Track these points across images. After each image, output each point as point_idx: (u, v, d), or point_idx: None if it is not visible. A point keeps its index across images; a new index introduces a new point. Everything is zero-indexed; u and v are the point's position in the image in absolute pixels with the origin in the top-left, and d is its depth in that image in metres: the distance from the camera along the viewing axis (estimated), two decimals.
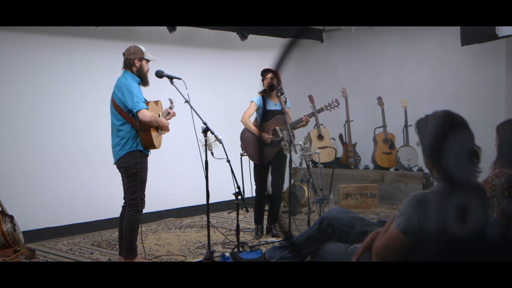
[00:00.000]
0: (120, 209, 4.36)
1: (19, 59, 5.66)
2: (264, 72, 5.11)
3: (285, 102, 5.10)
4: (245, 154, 5.30)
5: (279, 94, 4.95)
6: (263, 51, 7.67)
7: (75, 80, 6.05)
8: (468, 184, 2.17)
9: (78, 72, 6.05)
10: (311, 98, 7.15)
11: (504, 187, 2.55)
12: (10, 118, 5.58)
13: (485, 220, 2.25)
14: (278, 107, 5.07)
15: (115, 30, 6.07)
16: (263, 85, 5.13)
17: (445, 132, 2.08)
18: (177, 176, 6.73)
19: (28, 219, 5.31)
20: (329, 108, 5.29)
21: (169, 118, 4.40)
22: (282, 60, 1.51)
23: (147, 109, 4.00)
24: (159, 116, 4.26)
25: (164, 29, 6.37)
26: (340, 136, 7.42)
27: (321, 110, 5.34)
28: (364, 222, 2.73)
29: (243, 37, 7.17)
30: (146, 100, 4.17)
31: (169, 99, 4.50)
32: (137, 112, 3.95)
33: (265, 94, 5.12)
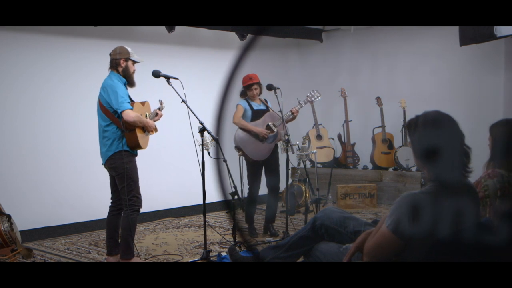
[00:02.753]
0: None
1: (18, 59, 5.67)
2: (251, 85, 5.16)
3: (266, 101, 5.22)
4: (241, 154, 5.29)
5: (276, 94, 5.02)
6: (261, 51, 7.68)
7: (74, 79, 6.05)
8: (458, 184, 2.17)
9: (77, 71, 6.05)
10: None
11: (496, 187, 2.55)
12: (10, 117, 5.59)
13: (476, 220, 2.26)
14: (262, 107, 5.24)
15: (114, 30, 6.08)
16: (246, 92, 5.21)
17: (434, 132, 2.08)
18: (176, 176, 6.74)
19: (26, 218, 5.32)
20: (312, 99, 5.43)
21: (157, 119, 4.42)
22: (240, 60, 1.50)
23: (132, 109, 4.02)
24: (146, 116, 4.28)
25: (162, 29, 6.37)
26: (339, 136, 7.43)
27: (305, 102, 5.43)
28: (357, 222, 2.74)
29: (242, 37, 7.17)
30: (132, 101, 4.19)
31: (159, 100, 4.50)
32: (121, 112, 3.97)
33: (246, 96, 5.21)
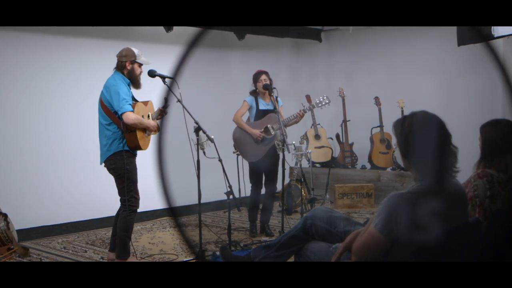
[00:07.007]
0: (116, 208, 4.39)
1: (18, 59, 5.69)
2: (258, 75, 5.14)
3: (277, 101, 5.14)
4: (237, 153, 5.34)
5: (272, 94, 5.00)
6: (260, 51, 7.69)
7: (73, 79, 6.07)
8: (445, 183, 2.17)
9: (77, 71, 6.07)
10: (308, 97, 7.15)
11: (486, 187, 2.56)
12: (9, 117, 5.61)
13: (463, 220, 2.26)
14: (270, 107, 5.18)
15: (112, 30, 6.09)
16: (256, 86, 5.18)
17: (421, 132, 2.09)
18: (172, 175, 6.74)
19: (24, 217, 5.34)
20: (320, 105, 5.31)
21: (160, 118, 4.41)
22: (183, 59, 1.52)
23: (132, 111, 4.02)
24: (148, 117, 4.27)
25: (161, 28, 6.38)
26: (337, 136, 7.43)
27: (312, 107, 5.38)
28: (347, 222, 2.75)
29: (241, 36, 7.18)
30: (135, 101, 4.18)
31: (164, 98, 4.49)
32: (121, 114, 3.97)
33: (257, 94, 5.19)
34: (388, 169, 7.17)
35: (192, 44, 1.52)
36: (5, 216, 4.62)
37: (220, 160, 4.29)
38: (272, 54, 7.86)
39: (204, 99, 6.72)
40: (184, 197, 6.09)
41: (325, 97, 5.33)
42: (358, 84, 7.62)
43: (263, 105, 5.20)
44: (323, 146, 7.29)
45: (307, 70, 8.32)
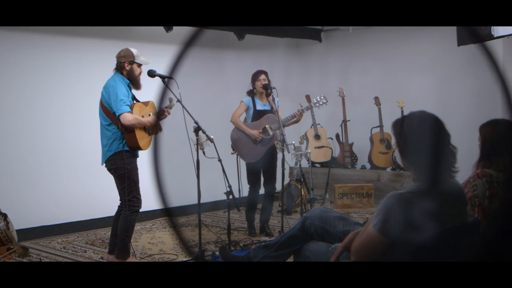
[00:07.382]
0: (115, 208, 4.39)
1: (18, 59, 5.69)
2: (257, 74, 5.14)
3: (274, 101, 5.14)
4: (235, 153, 5.34)
5: (271, 94, 5.00)
6: (260, 51, 7.69)
7: (73, 79, 6.07)
8: (444, 183, 2.17)
9: (76, 72, 6.07)
10: (308, 97, 7.15)
11: (485, 187, 2.56)
12: (8, 116, 5.62)
13: (463, 219, 2.26)
14: (267, 107, 5.18)
15: (112, 30, 6.10)
16: (254, 86, 5.17)
17: (420, 132, 2.09)
18: (172, 175, 6.74)
19: (23, 217, 5.35)
20: (317, 105, 5.32)
21: (163, 118, 4.40)
22: (179, 59, 1.51)
23: (130, 112, 4.02)
24: (149, 115, 4.27)
25: (160, 28, 6.39)
26: (337, 136, 7.43)
27: (310, 107, 5.38)
28: (346, 222, 2.75)
29: (240, 36, 7.18)
30: (134, 101, 4.18)
31: (169, 98, 4.49)
32: (119, 115, 3.98)
33: (254, 95, 5.18)
34: (388, 169, 7.18)
35: (188, 44, 1.52)
36: (5, 216, 4.62)
37: (219, 160, 4.29)
38: (269, 53, 7.85)
39: (200, 98, 6.71)
40: (182, 197, 6.16)
41: (322, 97, 5.34)
42: (357, 84, 7.62)
43: (260, 105, 5.20)
44: (322, 146, 7.29)
45: (306, 70, 8.32)
